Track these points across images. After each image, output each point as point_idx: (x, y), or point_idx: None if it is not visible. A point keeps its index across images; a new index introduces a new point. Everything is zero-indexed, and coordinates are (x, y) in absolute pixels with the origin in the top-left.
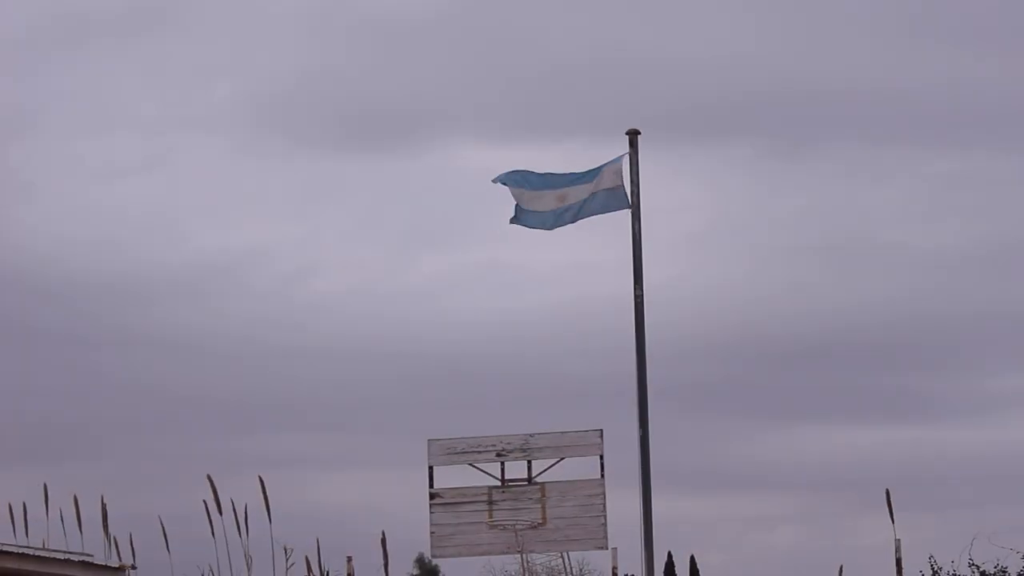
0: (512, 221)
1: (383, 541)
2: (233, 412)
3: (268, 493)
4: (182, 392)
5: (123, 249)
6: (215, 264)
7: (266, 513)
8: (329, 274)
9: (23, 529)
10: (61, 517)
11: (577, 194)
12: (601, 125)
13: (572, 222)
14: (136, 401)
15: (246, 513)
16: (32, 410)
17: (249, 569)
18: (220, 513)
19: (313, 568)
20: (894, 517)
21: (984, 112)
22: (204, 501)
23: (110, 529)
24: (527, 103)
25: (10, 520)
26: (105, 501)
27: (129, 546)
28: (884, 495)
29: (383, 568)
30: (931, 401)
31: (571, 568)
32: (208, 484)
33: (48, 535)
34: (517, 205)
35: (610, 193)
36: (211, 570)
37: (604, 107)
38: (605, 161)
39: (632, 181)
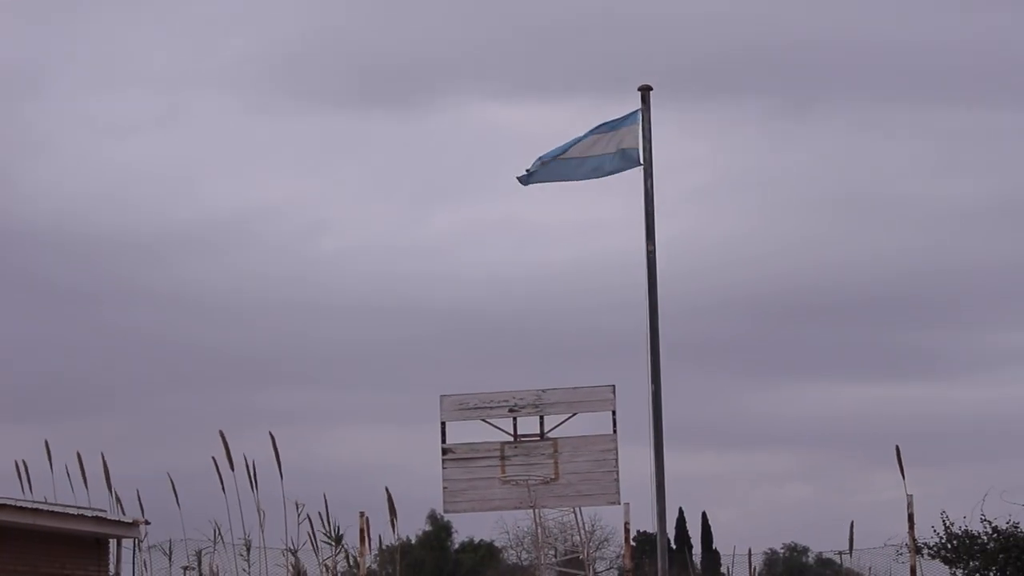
0: (523, 181)
1: (389, 497)
2: (244, 368)
3: (279, 449)
4: (193, 348)
5: (135, 205)
6: (228, 221)
7: (277, 469)
8: (342, 230)
9: (28, 485)
10: (67, 473)
11: (598, 147)
12: (610, 81)
13: (588, 178)
14: (146, 357)
15: (255, 469)
16: (42, 366)
17: (261, 524)
18: (232, 469)
19: (323, 523)
20: (904, 473)
21: (994, 67)
22: (214, 458)
23: (120, 485)
24: (538, 59)
25: (17, 476)
26: (107, 459)
27: (137, 502)
28: (894, 451)
29: (390, 523)
30: (942, 357)
31: (583, 523)
32: (220, 440)
33: (55, 491)
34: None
35: (624, 152)
36: (219, 526)
37: (613, 63)
38: (614, 117)
39: (644, 138)
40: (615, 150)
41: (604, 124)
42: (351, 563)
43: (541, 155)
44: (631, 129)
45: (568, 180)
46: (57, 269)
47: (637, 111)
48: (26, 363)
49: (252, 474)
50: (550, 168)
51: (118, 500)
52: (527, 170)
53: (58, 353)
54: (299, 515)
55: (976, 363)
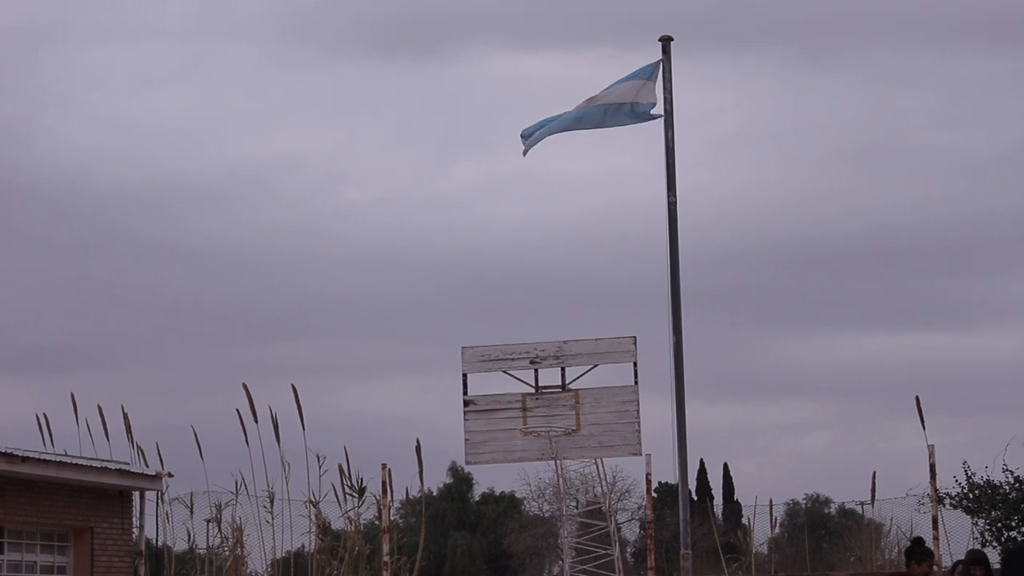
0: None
1: (418, 449)
2: (265, 322)
3: (301, 402)
4: (213, 302)
5: (153, 160)
6: (246, 174)
7: (299, 421)
8: (360, 183)
9: (50, 438)
10: (88, 427)
11: (609, 96)
12: (631, 31)
13: (597, 127)
14: (166, 312)
15: (277, 421)
16: (63, 321)
17: (285, 476)
18: (256, 421)
19: (346, 476)
20: (925, 423)
21: (1016, 14)
22: (238, 410)
23: (142, 438)
24: (559, 9)
25: (39, 429)
26: (127, 412)
27: (157, 455)
28: (915, 401)
29: (418, 475)
30: (965, 306)
31: (604, 474)
32: (243, 392)
33: (79, 445)
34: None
35: (640, 106)
36: (243, 477)
37: (633, 12)
38: (635, 67)
39: (665, 88)
40: (631, 100)
41: (618, 80)
42: (375, 515)
43: (542, 121)
44: (647, 84)
45: (576, 129)
46: (75, 224)
47: (652, 64)
48: (47, 318)
49: (276, 426)
50: (557, 123)
51: (140, 453)
52: (524, 136)
53: (79, 308)
54: (320, 467)
55: (999, 312)
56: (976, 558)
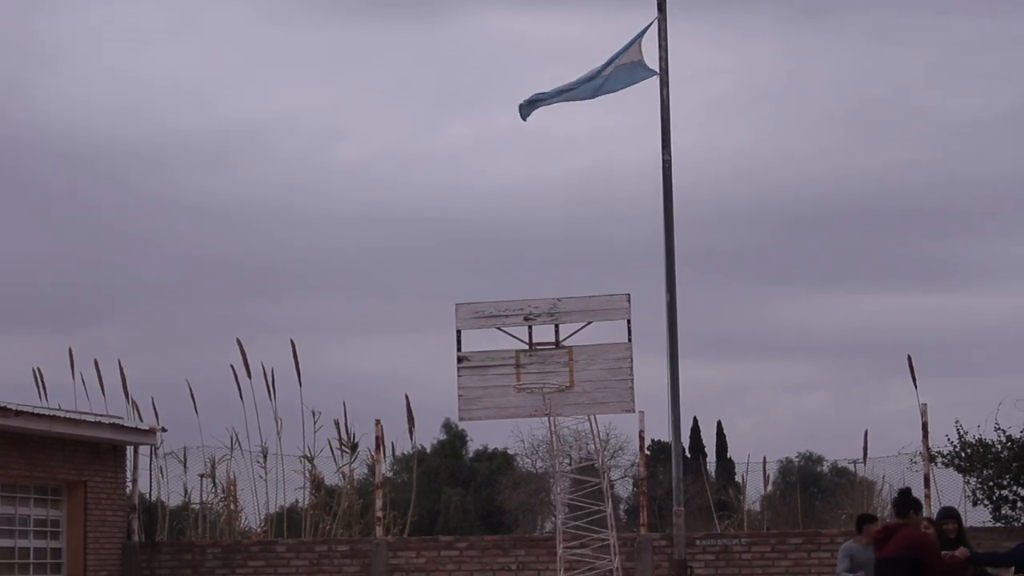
0: (525, 114)
1: (408, 404)
2: (258, 278)
3: (298, 357)
4: (207, 258)
5: (149, 116)
6: (241, 130)
7: (295, 376)
8: (356, 140)
9: (44, 393)
10: (83, 382)
11: (607, 69)
12: None
13: (596, 96)
14: (161, 267)
15: (273, 376)
16: (57, 276)
17: (279, 432)
18: (249, 377)
19: (341, 431)
20: (917, 383)
21: None
22: (232, 365)
23: (137, 393)
24: None
25: (35, 383)
26: (123, 366)
27: (152, 409)
28: (907, 361)
29: (408, 432)
30: (959, 267)
31: (598, 431)
32: (237, 348)
33: (75, 399)
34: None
35: (633, 65)
36: (236, 433)
37: None
38: (631, 27)
39: (660, 47)
40: (627, 63)
41: (613, 56)
42: (368, 471)
43: (543, 92)
44: (640, 45)
45: (576, 100)
46: (70, 180)
47: (644, 29)
48: (41, 273)
49: (271, 382)
50: (557, 95)
51: (135, 408)
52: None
53: (72, 263)
54: (316, 423)
55: (993, 274)
56: (948, 513)
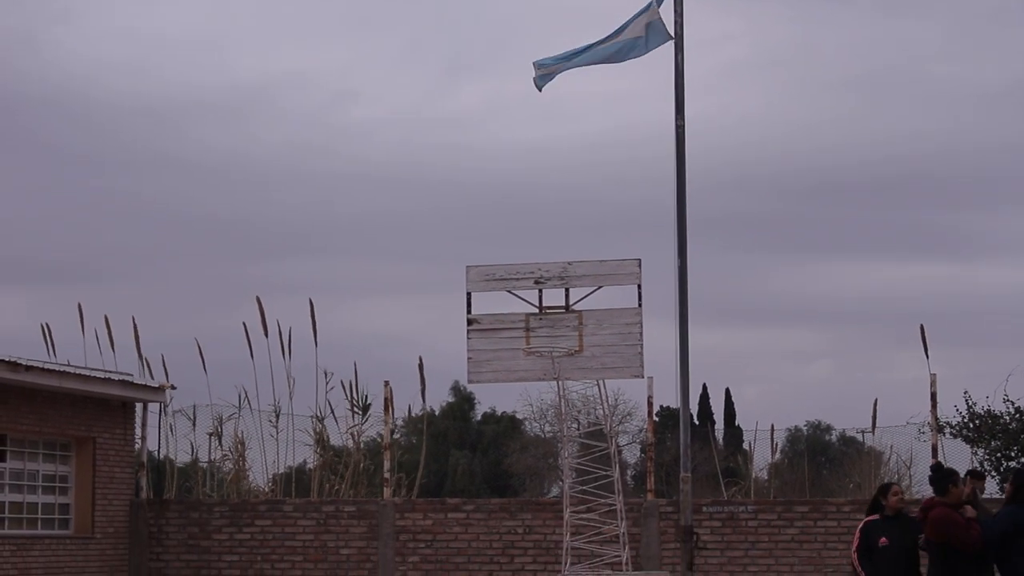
0: (540, 84)
1: (420, 366)
2: (269, 238)
3: (304, 317)
4: (217, 218)
5: (161, 73)
6: (254, 89)
7: (312, 335)
8: (369, 101)
9: (53, 349)
10: (96, 338)
11: (622, 36)
12: None
13: (613, 61)
14: (170, 226)
15: (290, 335)
16: (65, 232)
17: (291, 392)
18: (266, 335)
19: (350, 392)
20: (928, 352)
21: None
22: (244, 323)
23: (148, 351)
24: None
25: (44, 340)
26: (137, 323)
27: (162, 367)
28: (919, 331)
29: (420, 393)
30: (969, 237)
31: (606, 396)
32: (250, 307)
33: (85, 355)
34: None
35: (650, 28)
36: (246, 391)
37: None
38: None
39: (676, 11)
40: (641, 33)
41: (630, 19)
42: (378, 432)
43: (554, 56)
44: (655, 11)
45: (591, 64)
46: (80, 136)
47: None
48: (51, 229)
49: (285, 340)
50: (572, 61)
51: (147, 365)
52: (538, 74)
53: (82, 220)
54: (327, 383)
55: (1004, 244)
56: (972, 475)
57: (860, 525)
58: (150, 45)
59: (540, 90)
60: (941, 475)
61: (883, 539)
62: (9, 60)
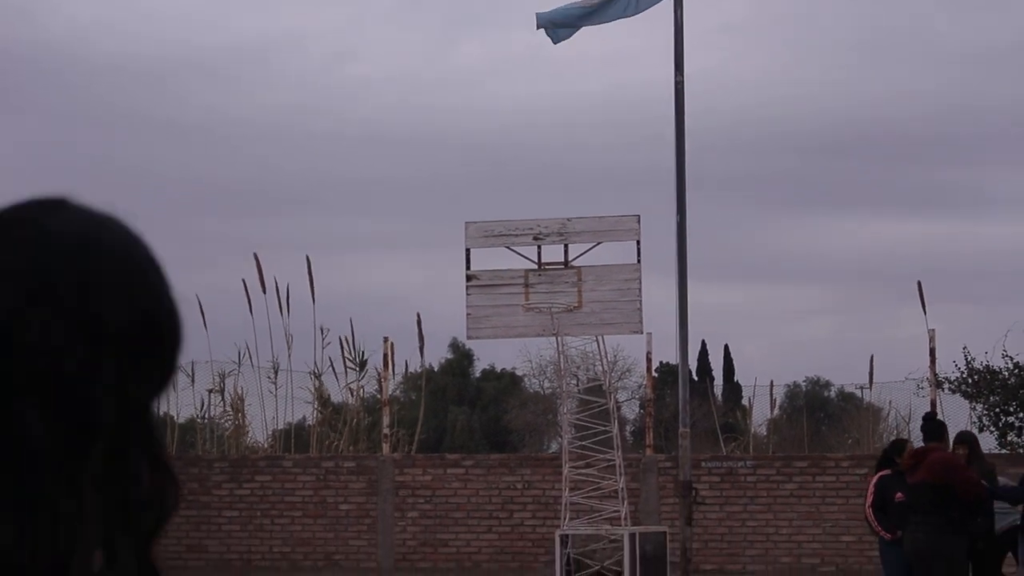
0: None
1: (419, 322)
2: (268, 197)
3: (305, 275)
4: (213, 177)
5: (156, 34)
6: (250, 49)
7: (310, 292)
8: (367, 60)
9: None
10: None
11: None
12: None
13: (617, 18)
14: (166, 185)
15: (288, 292)
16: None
17: (290, 347)
18: (264, 292)
19: (349, 348)
20: (926, 308)
21: None
22: (244, 280)
23: None
24: None
25: None
26: None
27: None
28: (917, 287)
29: (419, 350)
30: (970, 194)
31: (605, 352)
32: (247, 266)
33: None
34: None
35: None
36: (247, 347)
37: None
38: None
39: None
40: None
41: None
42: (376, 389)
43: (556, 9)
44: None
45: (596, 24)
46: (74, 98)
47: None
48: (54, 182)
49: (284, 298)
50: (583, 17)
51: None
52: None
53: (79, 182)
54: (324, 340)
55: (1004, 201)
56: (960, 439)
57: (874, 480)
58: (146, 5)
59: (555, 42)
60: (936, 423)
61: (899, 494)
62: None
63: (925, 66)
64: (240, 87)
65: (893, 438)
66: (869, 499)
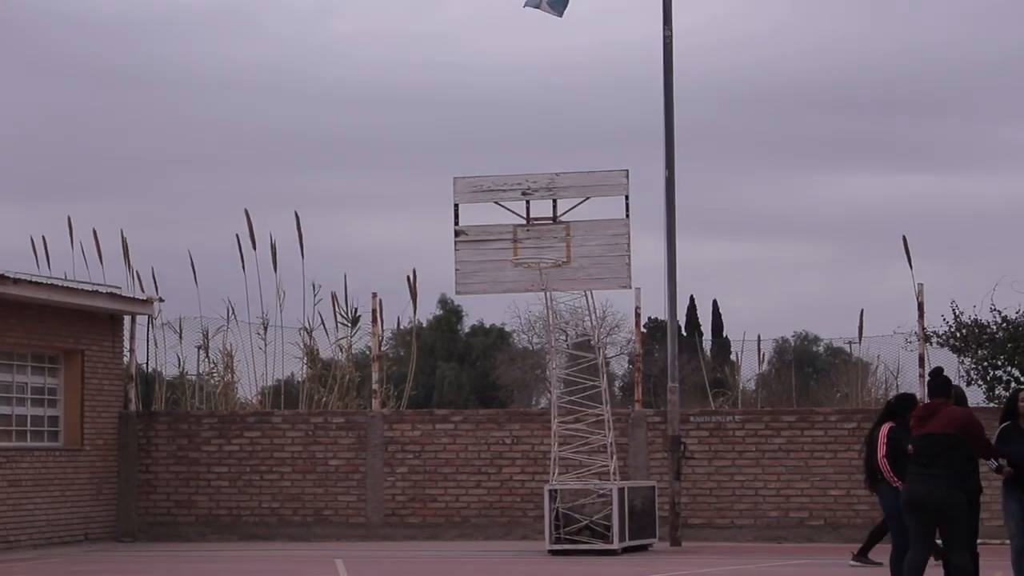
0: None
1: (412, 278)
2: (257, 154)
3: (298, 230)
4: (203, 132)
5: None
6: (236, 6)
7: (299, 248)
8: (351, 15)
9: (46, 262)
10: (83, 252)
11: None
12: None
13: None
14: (155, 138)
15: (275, 247)
16: (61, 144)
17: (280, 304)
18: (254, 248)
19: (339, 304)
20: (912, 264)
21: None
22: (237, 235)
23: (138, 265)
24: None
25: (33, 253)
26: (126, 237)
27: (152, 280)
28: (902, 241)
29: (411, 303)
30: (959, 150)
31: (594, 307)
32: (244, 218)
33: (74, 268)
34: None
35: None
36: (233, 305)
37: None
38: None
39: None
40: None
41: None
42: (366, 345)
43: None
44: None
45: None
46: (72, 47)
47: None
48: (44, 143)
49: (274, 253)
50: None
51: (137, 278)
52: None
53: (75, 135)
54: (315, 296)
55: (993, 156)
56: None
57: (885, 431)
58: None
59: (560, 15)
60: (944, 379)
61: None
62: None
63: (918, 22)
64: (225, 42)
65: (899, 393)
66: (882, 450)
